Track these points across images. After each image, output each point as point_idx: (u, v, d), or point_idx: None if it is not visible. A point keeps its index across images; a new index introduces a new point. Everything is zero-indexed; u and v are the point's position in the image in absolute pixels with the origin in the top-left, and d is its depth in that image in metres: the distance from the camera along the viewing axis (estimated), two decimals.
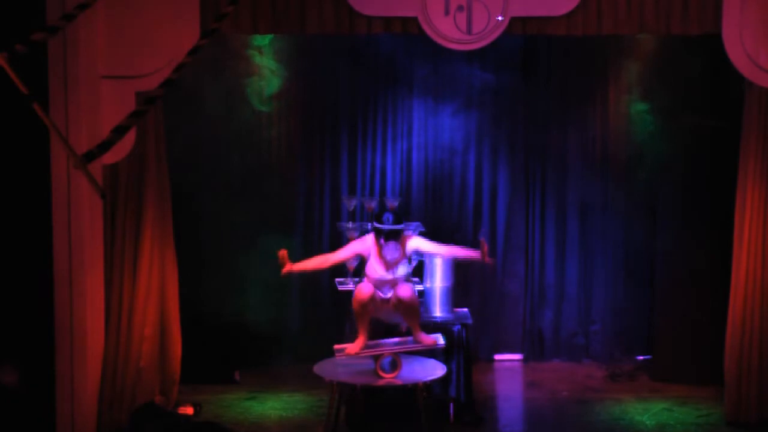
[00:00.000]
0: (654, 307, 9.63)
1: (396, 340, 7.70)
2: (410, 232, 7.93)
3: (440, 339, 7.74)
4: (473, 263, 8.45)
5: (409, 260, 7.80)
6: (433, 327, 8.25)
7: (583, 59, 9.76)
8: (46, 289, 7.67)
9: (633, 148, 9.81)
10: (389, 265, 7.47)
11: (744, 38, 7.85)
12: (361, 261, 7.72)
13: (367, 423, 8.17)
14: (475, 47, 8.09)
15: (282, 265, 7.36)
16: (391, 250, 7.44)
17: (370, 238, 7.59)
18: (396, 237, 7.43)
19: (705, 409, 8.58)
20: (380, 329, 7.94)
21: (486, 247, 7.42)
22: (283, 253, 7.36)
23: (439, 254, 7.92)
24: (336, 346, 7.62)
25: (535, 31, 8.08)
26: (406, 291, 7.46)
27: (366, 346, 7.56)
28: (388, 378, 7.39)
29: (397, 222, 7.44)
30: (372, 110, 10.01)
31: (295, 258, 9.82)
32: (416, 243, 7.62)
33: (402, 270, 7.54)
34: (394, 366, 7.42)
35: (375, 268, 7.51)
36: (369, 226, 8.01)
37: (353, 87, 9.93)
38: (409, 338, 7.69)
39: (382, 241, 7.43)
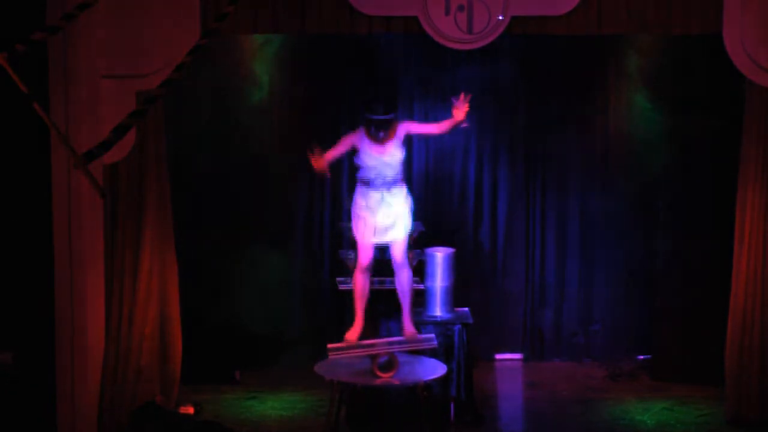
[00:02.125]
0: (654, 307, 9.63)
1: (390, 339, 7.69)
2: (403, 122, 7.67)
3: (432, 339, 7.71)
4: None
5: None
6: (433, 326, 8.26)
7: (583, 58, 9.75)
8: (46, 289, 7.66)
9: (633, 147, 9.80)
10: (381, 141, 7.38)
11: (745, 38, 7.84)
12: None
13: (368, 422, 8.17)
14: (476, 47, 8.10)
15: (316, 160, 7.26)
16: (383, 135, 7.38)
17: (361, 129, 7.50)
18: (386, 126, 7.35)
19: (705, 409, 8.58)
20: (374, 330, 7.98)
21: (461, 103, 7.27)
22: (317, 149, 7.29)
23: (429, 132, 7.79)
24: (330, 345, 7.59)
25: (536, 31, 8.08)
26: (403, 275, 7.57)
27: (363, 334, 7.59)
28: (385, 377, 7.38)
29: (387, 111, 7.35)
30: None
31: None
32: (406, 127, 7.52)
33: (396, 154, 7.44)
34: (391, 366, 7.41)
35: (367, 156, 7.44)
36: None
37: (353, 87, 9.91)
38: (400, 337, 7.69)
39: (372, 130, 7.36)
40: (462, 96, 7.30)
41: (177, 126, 8.69)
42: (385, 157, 7.42)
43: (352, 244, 7.90)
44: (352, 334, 7.61)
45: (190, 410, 8.29)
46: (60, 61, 7.54)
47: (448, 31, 7.94)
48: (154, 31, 7.75)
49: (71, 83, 7.58)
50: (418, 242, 8.54)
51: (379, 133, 7.35)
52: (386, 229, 7.53)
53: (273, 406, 8.69)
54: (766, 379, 8.13)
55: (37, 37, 4.75)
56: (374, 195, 7.49)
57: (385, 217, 7.51)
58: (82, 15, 5.20)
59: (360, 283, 7.66)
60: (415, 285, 8.49)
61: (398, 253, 7.59)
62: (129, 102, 7.70)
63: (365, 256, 7.61)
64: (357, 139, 7.47)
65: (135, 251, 7.98)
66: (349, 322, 8.15)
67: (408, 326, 7.64)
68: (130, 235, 7.96)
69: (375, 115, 7.32)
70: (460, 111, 7.30)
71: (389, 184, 7.49)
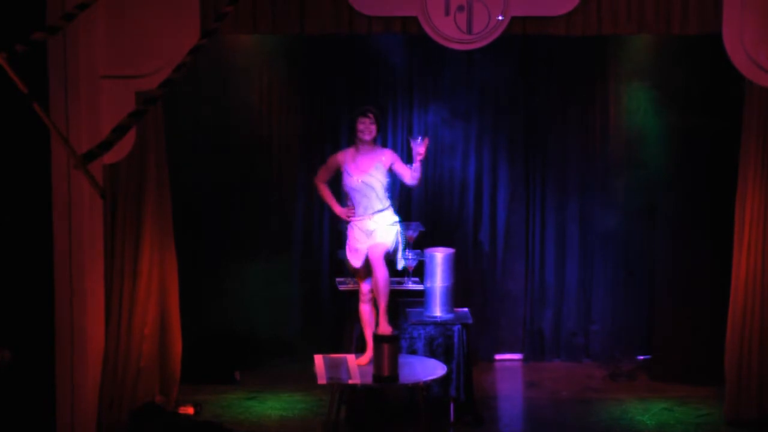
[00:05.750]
0: (654, 307, 9.63)
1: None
2: (391, 151, 8.02)
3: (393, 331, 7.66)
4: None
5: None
6: (433, 327, 8.27)
7: (583, 59, 9.75)
8: (46, 289, 7.66)
9: (633, 147, 9.80)
10: (366, 143, 7.72)
11: (744, 38, 7.85)
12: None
13: (368, 423, 8.17)
14: (476, 47, 8.10)
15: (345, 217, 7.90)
16: (370, 130, 7.73)
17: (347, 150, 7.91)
18: (370, 122, 7.70)
19: (705, 409, 8.58)
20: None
21: (420, 145, 7.65)
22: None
23: (402, 176, 7.82)
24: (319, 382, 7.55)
25: (535, 31, 8.09)
26: (379, 274, 7.61)
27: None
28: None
29: (369, 110, 7.77)
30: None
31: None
32: (393, 157, 7.80)
33: (381, 178, 7.72)
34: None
35: (353, 179, 7.73)
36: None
37: (353, 87, 9.91)
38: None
39: (359, 125, 7.70)
40: (423, 140, 7.68)
41: (177, 126, 8.68)
42: (370, 179, 7.69)
43: (351, 274, 8.09)
44: (364, 359, 7.75)
45: (190, 410, 8.29)
46: (60, 61, 7.55)
47: (448, 31, 7.95)
48: (154, 31, 7.75)
49: (71, 83, 7.58)
50: (418, 242, 8.55)
51: (365, 135, 7.68)
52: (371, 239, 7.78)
53: (273, 406, 8.69)
54: (766, 379, 8.13)
55: (37, 37, 4.76)
56: (362, 224, 7.78)
57: (372, 234, 7.77)
58: (82, 15, 5.21)
59: (366, 313, 7.87)
60: (414, 285, 8.51)
61: (376, 252, 7.67)
62: (129, 102, 7.70)
63: (366, 284, 7.83)
64: (342, 157, 7.83)
65: (135, 251, 7.98)
66: (348, 323, 8.19)
67: (383, 326, 7.64)
68: (130, 236, 7.96)
69: (359, 113, 7.71)
70: (419, 149, 7.63)
71: (376, 212, 7.78)
